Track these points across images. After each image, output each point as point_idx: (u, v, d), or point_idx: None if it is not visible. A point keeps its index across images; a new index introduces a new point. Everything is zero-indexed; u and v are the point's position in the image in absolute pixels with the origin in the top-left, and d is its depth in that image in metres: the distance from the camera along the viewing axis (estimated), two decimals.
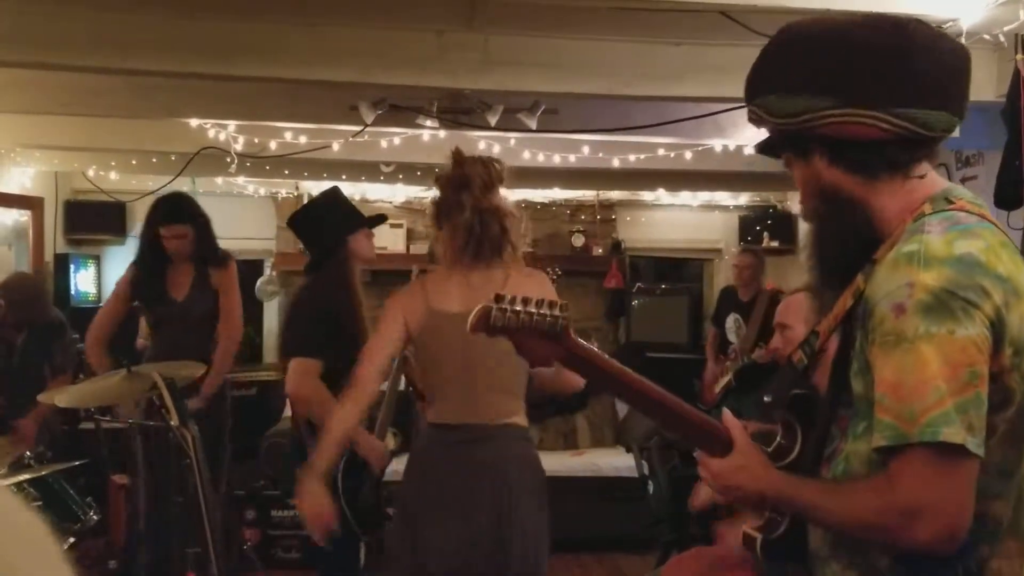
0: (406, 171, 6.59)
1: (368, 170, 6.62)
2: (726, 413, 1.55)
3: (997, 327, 1.34)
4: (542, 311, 1.39)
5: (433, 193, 2.84)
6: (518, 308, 1.37)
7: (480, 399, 2.71)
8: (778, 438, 1.57)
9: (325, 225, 3.53)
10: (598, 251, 8.11)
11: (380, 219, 3.86)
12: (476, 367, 2.69)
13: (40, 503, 3.76)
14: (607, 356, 1.55)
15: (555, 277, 7.36)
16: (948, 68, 1.47)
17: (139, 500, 4.39)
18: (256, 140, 5.57)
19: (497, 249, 2.73)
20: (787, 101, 1.47)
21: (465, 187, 2.71)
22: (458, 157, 2.81)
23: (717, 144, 5.56)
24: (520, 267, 2.79)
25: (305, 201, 7.78)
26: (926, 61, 1.45)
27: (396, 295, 2.86)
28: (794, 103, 1.46)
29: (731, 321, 6.32)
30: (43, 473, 3.84)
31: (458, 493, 2.65)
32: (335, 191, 3.80)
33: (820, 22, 1.54)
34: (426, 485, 2.71)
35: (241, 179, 7.18)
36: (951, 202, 1.45)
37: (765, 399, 1.56)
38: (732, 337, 6.26)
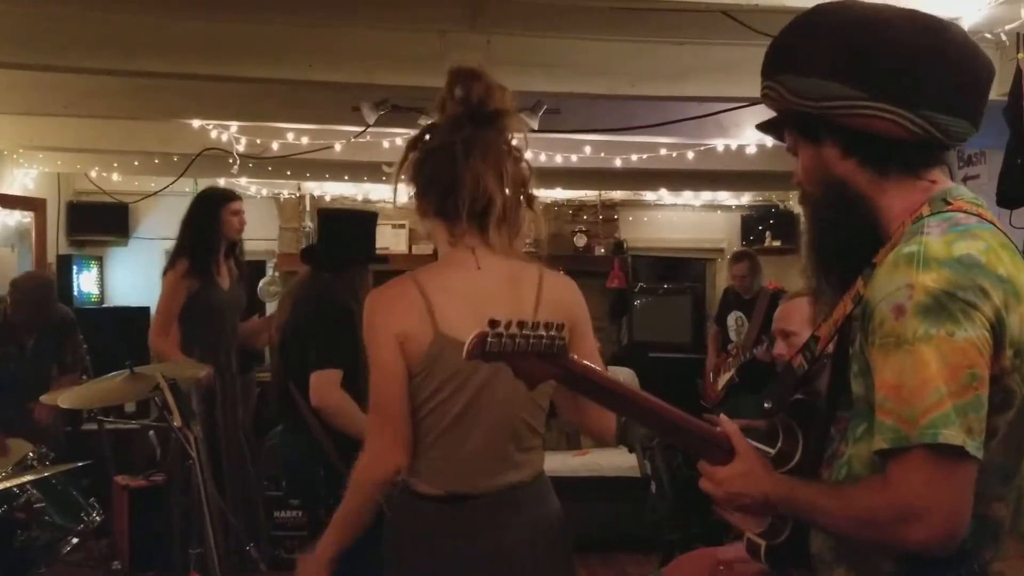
0: None
1: (370, 171, 6.62)
2: (723, 419, 1.53)
3: (997, 329, 1.34)
4: (538, 332, 1.37)
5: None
6: (514, 332, 1.35)
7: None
8: (779, 444, 1.57)
9: (367, 238, 3.57)
10: (600, 251, 8.11)
11: (383, 259, 3.93)
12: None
13: (44, 504, 3.76)
14: (604, 372, 1.53)
15: None
16: (975, 79, 1.46)
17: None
18: (258, 141, 5.58)
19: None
20: (812, 84, 1.44)
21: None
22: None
23: (719, 144, 5.55)
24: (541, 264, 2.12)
25: (307, 203, 7.80)
26: (958, 68, 1.43)
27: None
28: (821, 87, 1.43)
29: (732, 319, 6.34)
30: (46, 474, 3.84)
31: None
32: (376, 217, 3.91)
33: (853, 7, 1.49)
34: None
35: (243, 180, 7.19)
36: (949, 203, 1.44)
37: (765, 404, 1.55)
38: (733, 335, 6.29)
